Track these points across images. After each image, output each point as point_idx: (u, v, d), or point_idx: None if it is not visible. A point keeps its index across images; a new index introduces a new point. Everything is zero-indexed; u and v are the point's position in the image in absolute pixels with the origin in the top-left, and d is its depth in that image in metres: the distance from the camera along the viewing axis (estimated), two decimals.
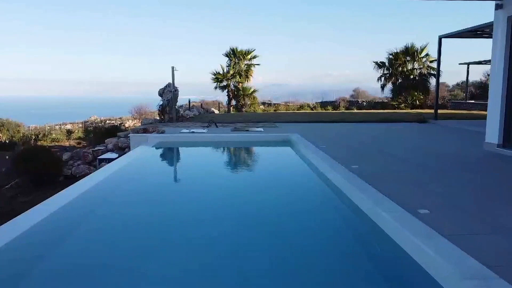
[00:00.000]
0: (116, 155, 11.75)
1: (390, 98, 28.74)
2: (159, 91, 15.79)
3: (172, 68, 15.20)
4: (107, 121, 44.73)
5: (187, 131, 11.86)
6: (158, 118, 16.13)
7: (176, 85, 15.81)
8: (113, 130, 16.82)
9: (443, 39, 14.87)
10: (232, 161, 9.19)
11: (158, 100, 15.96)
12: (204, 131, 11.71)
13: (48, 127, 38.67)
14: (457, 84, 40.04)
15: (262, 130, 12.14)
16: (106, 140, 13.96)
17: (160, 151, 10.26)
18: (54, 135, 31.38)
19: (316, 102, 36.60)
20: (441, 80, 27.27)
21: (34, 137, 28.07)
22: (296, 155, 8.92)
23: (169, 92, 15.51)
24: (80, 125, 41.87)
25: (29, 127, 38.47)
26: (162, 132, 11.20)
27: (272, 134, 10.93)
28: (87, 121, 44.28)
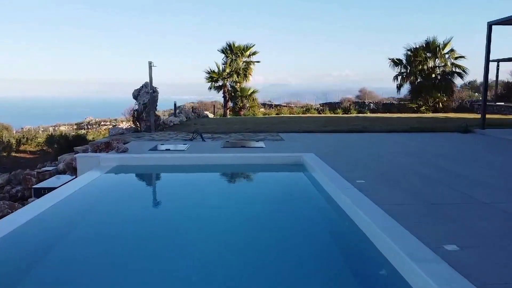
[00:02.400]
0: (65, 180, 8.57)
1: (399, 99, 25.62)
2: (133, 93, 12.59)
3: (150, 63, 12.00)
4: (102, 123, 42.20)
5: (163, 148, 8.69)
6: (133, 126, 12.92)
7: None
8: (78, 141, 13.65)
9: (493, 27, 11.70)
10: (215, 204, 5.92)
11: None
12: (183, 148, 8.51)
13: (42, 129, 36.34)
14: (465, 84, 36.75)
15: (264, 145, 8.94)
16: (59, 157, 10.78)
17: (114, 180, 7.06)
18: (40, 139, 28.42)
19: (320, 104, 33.57)
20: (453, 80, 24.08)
21: (15, 142, 25.09)
22: (318, 194, 5.72)
23: (145, 94, 12.31)
24: (75, 127, 39.89)
25: (22, 128, 36.20)
26: (124, 151, 8.01)
27: (277, 155, 7.71)
28: (82, 123, 41.92)
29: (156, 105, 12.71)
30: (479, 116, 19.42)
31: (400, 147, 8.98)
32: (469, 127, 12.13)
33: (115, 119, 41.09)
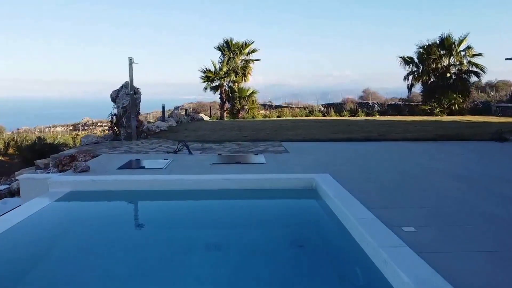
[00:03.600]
0: (12, 207, 6.77)
1: (404, 100, 23.84)
2: (111, 95, 10.78)
3: (130, 60, 10.20)
4: (99, 123, 40.83)
5: (136, 165, 6.91)
6: (112, 133, 11.08)
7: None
8: (48, 150, 11.82)
9: None
10: (196, 251, 4.11)
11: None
12: (162, 165, 6.69)
13: (38, 130, 33.87)
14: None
15: (264, 161, 7.12)
16: (16, 173, 8.98)
17: (63, 213, 5.26)
18: (29, 142, 26.90)
19: (323, 105, 31.94)
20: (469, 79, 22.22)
21: (4, 145, 23.51)
22: (344, 244, 3.92)
23: (125, 96, 10.50)
24: (71, 128, 39.35)
25: (18, 129, 35.65)
26: (84, 170, 6.19)
27: (282, 177, 5.90)
28: (78, 124, 40.94)
29: (139, 108, 10.90)
30: (501, 119, 17.61)
31: (438, 163, 7.13)
32: (504, 135, 10.33)
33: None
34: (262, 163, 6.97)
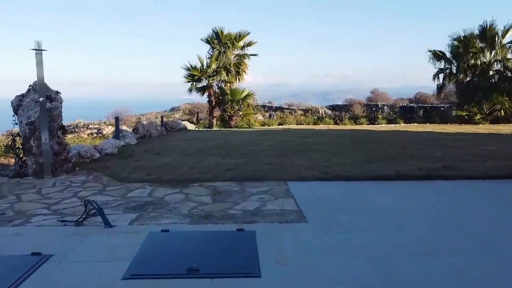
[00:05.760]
0: None
1: (415, 100, 19.84)
2: (12, 102, 6.70)
3: (36, 45, 6.14)
4: (90, 125, 37.82)
5: None
6: (16, 163, 6.98)
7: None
8: None
9: None
10: None
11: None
12: None
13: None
14: None
15: (257, 269, 3.04)
16: None
17: None
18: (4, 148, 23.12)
19: (327, 106, 28.22)
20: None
21: None
22: None
23: (33, 104, 6.44)
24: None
25: (7, 131, 32.71)
26: None
27: None
28: (69, 125, 37.55)
29: (59, 124, 6.80)
30: None
31: None
32: None
33: (104, 122, 36.93)
34: (250, 275, 2.91)
